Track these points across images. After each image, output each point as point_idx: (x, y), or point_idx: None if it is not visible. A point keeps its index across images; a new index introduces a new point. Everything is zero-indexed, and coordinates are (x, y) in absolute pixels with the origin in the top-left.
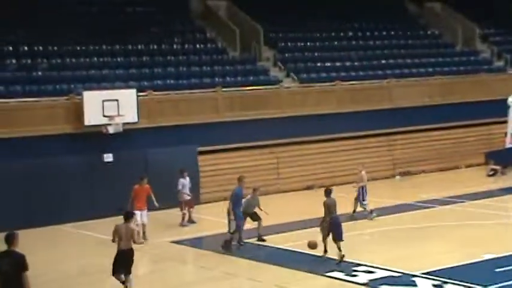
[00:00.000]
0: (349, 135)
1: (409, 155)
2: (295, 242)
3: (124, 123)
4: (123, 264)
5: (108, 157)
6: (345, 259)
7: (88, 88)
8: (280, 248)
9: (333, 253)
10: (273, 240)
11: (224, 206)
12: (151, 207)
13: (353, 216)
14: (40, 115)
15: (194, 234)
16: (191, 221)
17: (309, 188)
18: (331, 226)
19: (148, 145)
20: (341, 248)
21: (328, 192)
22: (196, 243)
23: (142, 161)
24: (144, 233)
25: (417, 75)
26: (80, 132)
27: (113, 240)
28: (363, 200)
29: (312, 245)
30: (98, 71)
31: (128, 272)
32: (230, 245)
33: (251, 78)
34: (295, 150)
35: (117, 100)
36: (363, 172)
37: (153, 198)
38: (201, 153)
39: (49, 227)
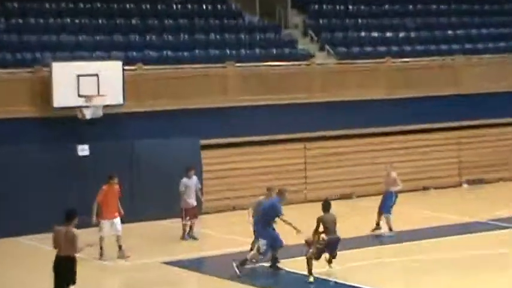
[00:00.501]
0: (400, 129)
1: (482, 157)
2: (324, 268)
3: (105, 106)
4: (60, 275)
5: (83, 150)
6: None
7: (59, 58)
8: (300, 274)
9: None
10: (293, 265)
11: (233, 216)
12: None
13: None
14: None
15: (192, 253)
16: (192, 236)
17: (345, 197)
18: (328, 247)
19: (136, 135)
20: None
21: (326, 206)
22: (194, 265)
23: (128, 156)
24: (120, 247)
25: (494, 51)
26: (46, 117)
27: (55, 247)
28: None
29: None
30: (72, 36)
31: (67, 284)
32: (245, 264)
33: (273, 51)
34: (329, 147)
35: (96, 75)
36: (394, 174)
37: (118, 204)
38: (205, 147)
39: (0, 240)
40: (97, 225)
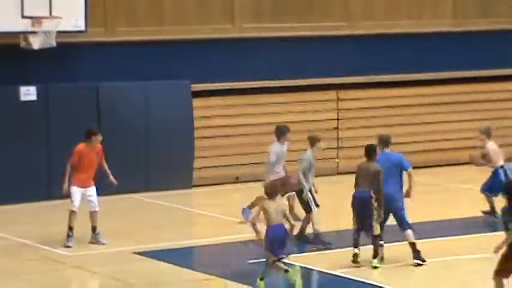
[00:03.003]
0: (475, 74)
1: None
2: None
3: (59, 33)
4: None
5: (29, 93)
6: None
7: None
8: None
9: None
10: (320, 261)
11: (235, 191)
12: (105, 187)
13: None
14: None
15: (177, 241)
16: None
17: None
18: (267, 240)
19: (102, 75)
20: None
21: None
22: (178, 256)
23: (90, 104)
24: (94, 229)
25: None
26: None
27: None
28: (490, 193)
29: None
30: None
31: None
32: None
33: None
34: (373, 97)
35: None
36: (490, 144)
37: (107, 171)
38: (198, 94)
39: None
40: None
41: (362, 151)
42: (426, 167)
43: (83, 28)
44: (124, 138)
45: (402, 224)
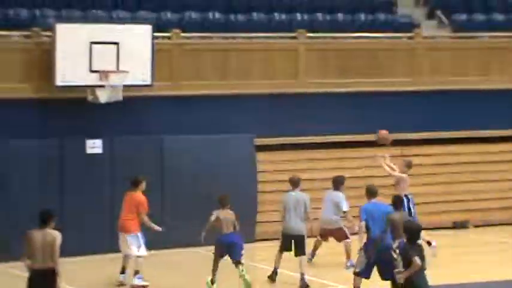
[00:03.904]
0: None
1: None
2: None
3: (126, 87)
4: None
5: (95, 145)
6: None
7: (65, 18)
8: None
9: None
10: None
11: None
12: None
13: None
14: None
15: None
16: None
17: (459, 225)
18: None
19: (167, 128)
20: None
21: (223, 201)
22: None
23: (155, 156)
24: (136, 273)
25: None
26: (44, 99)
27: (26, 257)
28: None
29: None
30: None
31: None
32: None
33: (361, 17)
34: (438, 154)
35: (116, 44)
36: None
37: (145, 220)
38: (262, 148)
39: None
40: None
41: (424, 208)
42: (491, 226)
43: (149, 82)
44: (187, 191)
45: None
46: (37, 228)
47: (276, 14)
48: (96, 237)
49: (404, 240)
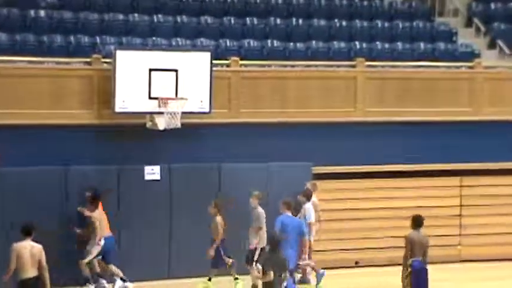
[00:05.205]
0: None
1: None
2: None
3: (185, 114)
4: None
5: (153, 172)
6: None
7: (125, 45)
8: None
9: None
10: None
11: (356, 276)
12: None
13: None
14: (35, 91)
15: None
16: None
17: None
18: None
19: (225, 156)
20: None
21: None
22: None
23: (212, 184)
24: None
25: None
26: (103, 125)
27: (9, 269)
28: None
29: None
30: (144, 16)
31: None
32: None
33: (421, 46)
34: (498, 184)
35: (175, 71)
36: None
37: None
38: (319, 177)
39: None
40: None
41: (486, 239)
42: None
43: (207, 109)
44: (244, 219)
45: None
46: (20, 241)
47: (335, 43)
48: (155, 263)
49: None
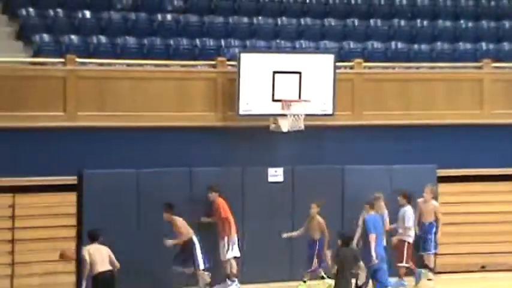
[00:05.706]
0: None
1: None
2: None
3: (308, 116)
4: None
5: (276, 174)
6: None
7: (249, 49)
8: None
9: None
10: None
11: (481, 280)
12: None
13: None
14: (161, 93)
15: None
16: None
17: None
18: None
19: (349, 158)
20: None
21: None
22: None
23: (336, 187)
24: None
25: None
26: (226, 127)
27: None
28: None
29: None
30: (269, 19)
31: None
32: None
33: None
34: None
35: (299, 73)
36: None
37: None
38: (444, 180)
39: None
40: None
41: None
42: None
43: (330, 111)
44: None
45: None
46: (89, 244)
47: (460, 44)
48: (275, 265)
49: None
